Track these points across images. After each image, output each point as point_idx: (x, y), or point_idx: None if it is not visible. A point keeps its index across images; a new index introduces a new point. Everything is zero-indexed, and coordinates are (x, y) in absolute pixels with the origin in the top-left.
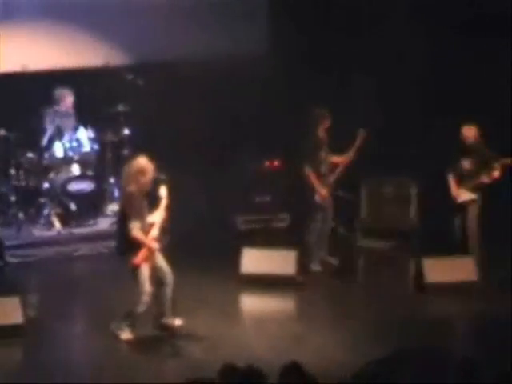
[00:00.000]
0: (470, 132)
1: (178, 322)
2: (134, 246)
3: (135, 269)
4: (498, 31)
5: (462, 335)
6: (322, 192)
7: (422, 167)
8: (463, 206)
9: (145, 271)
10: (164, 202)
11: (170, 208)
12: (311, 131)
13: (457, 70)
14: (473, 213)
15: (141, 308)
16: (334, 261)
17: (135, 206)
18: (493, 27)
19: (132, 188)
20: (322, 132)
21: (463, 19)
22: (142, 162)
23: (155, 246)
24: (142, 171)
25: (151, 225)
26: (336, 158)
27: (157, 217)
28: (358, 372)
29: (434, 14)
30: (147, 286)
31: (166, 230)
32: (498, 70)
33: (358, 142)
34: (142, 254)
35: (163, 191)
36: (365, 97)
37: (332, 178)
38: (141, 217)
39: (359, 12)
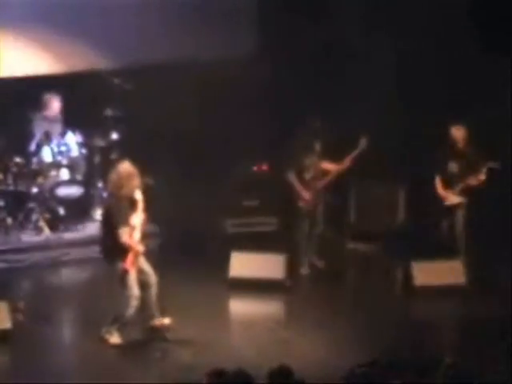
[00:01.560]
0: (458, 133)
1: (166, 321)
2: (122, 251)
3: (124, 273)
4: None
5: (450, 338)
6: (305, 197)
7: (410, 171)
8: (451, 209)
9: (132, 275)
10: (141, 205)
11: (146, 211)
12: (299, 138)
13: (447, 71)
14: (460, 215)
15: (130, 311)
16: (320, 264)
17: (123, 211)
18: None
19: (122, 193)
20: (314, 140)
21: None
22: (129, 167)
23: (141, 248)
24: (129, 176)
25: (132, 228)
26: (328, 165)
27: (137, 219)
28: (347, 374)
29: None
30: (135, 290)
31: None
32: (489, 72)
33: (357, 152)
34: (130, 258)
35: (138, 194)
36: (354, 100)
37: (320, 185)
38: (128, 222)
39: (350, 13)
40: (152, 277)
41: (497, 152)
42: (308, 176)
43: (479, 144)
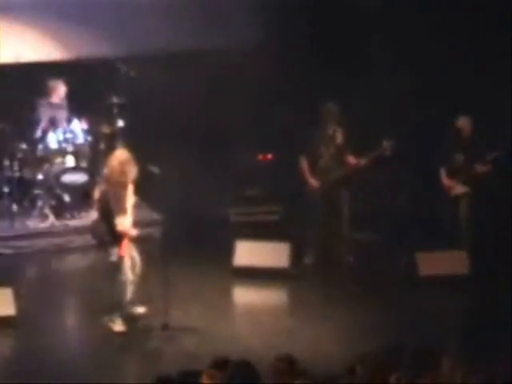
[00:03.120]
0: (464, 123)
1: (141, 309)
2: (117, 237)
3: (120, 260)
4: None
5: (453, 327)
6: (311, 183)
7: (416, 162)
8: (456, 199)
9: (127, 261)
10: (131, 188)
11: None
12: (315, 124)
13: (454, 64)
14: (465, 205)
15: (128, 296)
16: (350, 259)
17: (120, 198)
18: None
19: (121, 179)
20: (329, 127)
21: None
22: (126, 153)
23: (135, 233)
24: (128, 162)
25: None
26: (350, 158)
27: (129, 205)
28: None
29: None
30: (130, 275)
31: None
32: (494, 63)
33: (377, 153)
34: (125, 244)
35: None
36: (358, 90)
37: (333, 176)
38: (125, 209)
39: (355, 7)
40: (138, 264)
41: (502, 142)
42: (321, 164)
43: (485, 134)
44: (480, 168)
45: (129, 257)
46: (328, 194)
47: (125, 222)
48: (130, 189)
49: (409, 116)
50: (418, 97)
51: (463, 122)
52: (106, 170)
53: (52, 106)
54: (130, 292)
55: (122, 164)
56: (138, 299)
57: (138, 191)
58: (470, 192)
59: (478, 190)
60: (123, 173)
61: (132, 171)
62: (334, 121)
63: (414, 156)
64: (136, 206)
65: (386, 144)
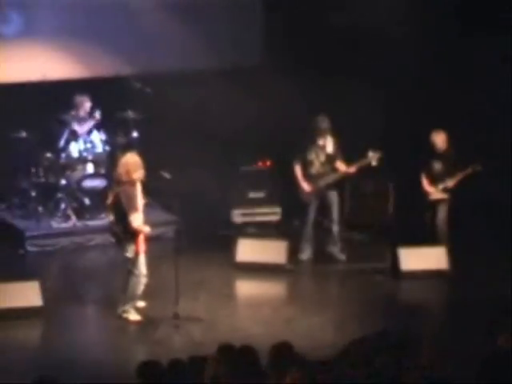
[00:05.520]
0: (438, 137)
1: (141, 304)
2: (133, 235)
3: (136, 255)
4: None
5: (433, 317)
6: (304, 187)
7: (399, 167)
8: (434, 203)
9: (142, 256)
10: (140, 188)
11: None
12: (308, 134)
13: (445, 68)
14: (442, 210)
15: (140, 289)
16: (341, 256)
17: (133, 198)
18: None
19: (134, 178)
20: (320, 136)
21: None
22: (133, 156)
23: (148, 230)
24: (138, 164)
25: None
26: (340, 165)
27: (140, 203)
28: (344, 349)
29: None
30: (143, 269)
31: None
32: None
33: (364, 162)
34: (141, 240)
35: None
36: (346, 99)
37: (323, 182)
38: (137, 207)
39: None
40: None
41: (483, 153)
42: (313, 170)
43: (464, 146)
44: (454, 179)
45: (144, 253)
46: (319, 197)
47: (137, 219)
48: (139, 188)
49: (393, 127)
50: (400, 107)
51: (436, 136)
52: (115, 172)
53: (75, 118)
54: (143, 284)
55: (128, 164)
56: (149, 292)
57: (152, 194)
58: (448, 197)
59: (455, 196)
60: (128, 172)
61: (138, 171)
62: (325, 131)
63: (398, 163)
64: (148, 207)
65: (373, 155)
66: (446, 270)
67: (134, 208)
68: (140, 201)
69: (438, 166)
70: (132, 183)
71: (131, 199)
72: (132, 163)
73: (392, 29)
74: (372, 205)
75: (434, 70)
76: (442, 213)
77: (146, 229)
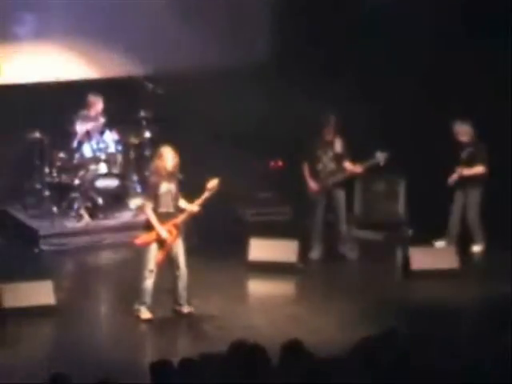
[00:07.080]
0: (459, 128)
1: (186, 309)
2: (149, 226)
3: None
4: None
5: (444, 316)
6: (311, 186)
7: (411, 166)
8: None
9: (152, 252)
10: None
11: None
12: (317, 133)
13: (451, 67)
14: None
15: (144, 284)
16: (352, 254)
17: (152, 185)
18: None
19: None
20: (327, 135)
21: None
22: (164, 148)
23: (164, 234)
24: (159, 155)
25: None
26: (348, 165)
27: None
28: (353, 347)
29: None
30: (150, 265)
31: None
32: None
33: (372, 162)
34: (147, 237)
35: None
36: (356, 96)
37: (331, 181)
38: (155, 198)
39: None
40: (181, 270)
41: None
42: (320, 170)
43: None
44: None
45: (163, 253)
46: (327, 195)
47: (150, 209)
48: (172, 187)
49: (403, 123)
50: (414, 103)
51: (458, 128)
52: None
53: (88, 118)
54: (146, 278)
55: (158, 154)
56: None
57: None
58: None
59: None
60: (157, 162)
61: (165, 163)
62: (334, 131)
63: (409, 162)
64: None
65: (380, 155)
66: (457, 269)
67: (150, 194)
68: (168, 200)
69: (464, 154)
70: (158, 173)
71: (151, 185)
72: (159, 153)
73: (401, 26)
74: (383, 204)
75: (440, 69)
76: (473, 198)
77: (163, 233)
